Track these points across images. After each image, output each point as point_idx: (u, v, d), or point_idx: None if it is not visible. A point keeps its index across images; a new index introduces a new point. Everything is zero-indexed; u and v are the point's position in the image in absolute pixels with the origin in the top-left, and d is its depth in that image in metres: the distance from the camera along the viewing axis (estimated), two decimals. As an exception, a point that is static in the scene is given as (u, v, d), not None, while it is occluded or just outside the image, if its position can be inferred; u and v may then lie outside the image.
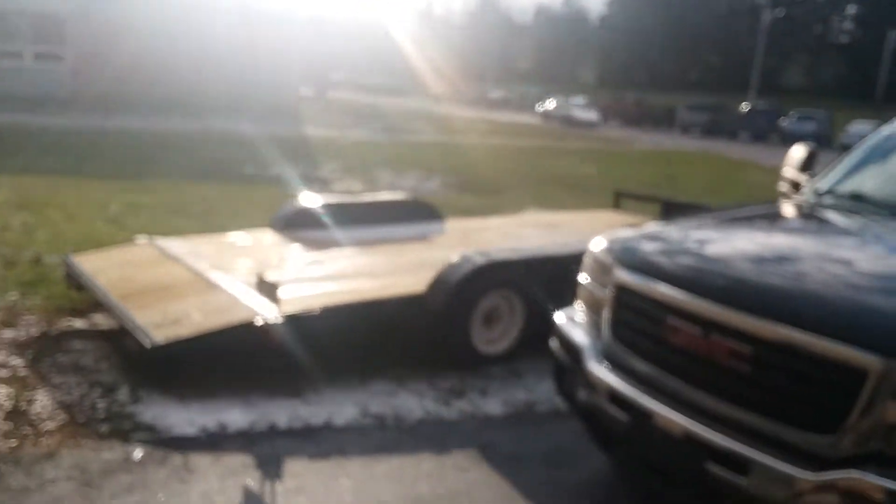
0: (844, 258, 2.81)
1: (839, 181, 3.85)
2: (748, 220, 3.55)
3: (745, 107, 43.98)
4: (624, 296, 2.94)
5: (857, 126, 36.10)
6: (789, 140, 37.55)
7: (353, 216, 6.27)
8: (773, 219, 3.62)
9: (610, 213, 7.90)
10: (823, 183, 3.91)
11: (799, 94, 61.81)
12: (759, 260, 2.76)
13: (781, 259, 2.77)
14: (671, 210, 7.49)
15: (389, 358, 4.60)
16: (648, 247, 3.09)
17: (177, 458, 3.31)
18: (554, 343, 3.36)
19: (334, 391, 4.14)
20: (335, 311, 4.28)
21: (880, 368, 2.12)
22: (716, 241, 3.14)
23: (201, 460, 3.32)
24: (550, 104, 47.55)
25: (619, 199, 8.25)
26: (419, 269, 5.00)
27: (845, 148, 28.21)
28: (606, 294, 3.04)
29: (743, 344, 2.42)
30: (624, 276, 2.95)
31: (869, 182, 3.75)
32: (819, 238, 3.23)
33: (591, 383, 2.93)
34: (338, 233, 5.98)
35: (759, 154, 28.91)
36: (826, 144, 31.75)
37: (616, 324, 2.96)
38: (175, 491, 3.07)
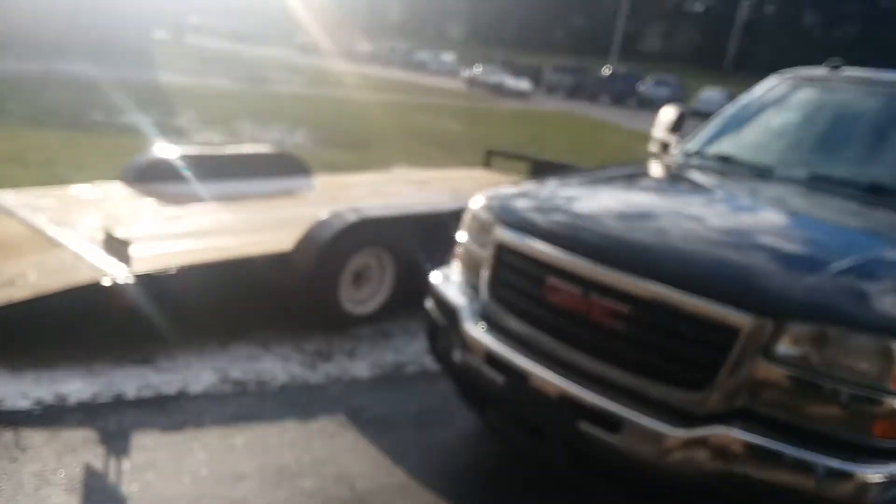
0: (715, 217, 2.85)
1: (707, 143, 3.92)
2: (625, 180, 3.55)
3: (606, 70, 45.47)
4: (504, 255, 2.85)
5: (708, 92, 38.15)
6: (646, 104, 39.31)
7: (215, 169, 5.86)
8: (648, 179, 3.64)
9: (481, 172, 7.86)
10: (692, 144, 3.97)
11: (656, 60, 64.60)
12: (636, 219, 2.74)
13: (657, 218, 2.77)
14: (541, 169, 7.56)
15: (253, 320, 4.35)
16: (530, 205, 3.00)
17: (6, 435, 2.96)
18: (429, 303, 3.24)
19: (190, 356, 3.86)
20: (194, 271, 3.96)
21: (751, 326, 2.14)
22: (596, 200, 3.10)
23: (36, 436, 2.98)
24: (477, 69, 43.17)
25: (489, 158, 8.21)
26: (286, 226, 4.74)
27: (696, 113, 29.78)
28: (486, 253, 2.95)
29: (619, 303, 2.39)
30: (504, 234, 2.85)
31: (734, 144, 3.85)
32: (691, 198, 3.26)
33: (467, 344, 2.84)
34: (197, 186, 5.57)
35: (619, 117, 29.99)
36: (679, 109, 33.25)
37: (495, 283, 2.88)
38: (4, 471, 2.74)
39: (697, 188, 3.43)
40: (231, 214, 5.15)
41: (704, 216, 2.84)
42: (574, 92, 42.35)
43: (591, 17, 76.16)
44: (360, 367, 4.05)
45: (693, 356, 2.26)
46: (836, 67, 3.96)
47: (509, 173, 7.71)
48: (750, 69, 54.48)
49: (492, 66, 44.83)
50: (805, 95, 4.01)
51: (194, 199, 5.38)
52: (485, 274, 2.93)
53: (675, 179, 3.60)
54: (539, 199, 3.11)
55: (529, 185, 3.34)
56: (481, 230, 3.05)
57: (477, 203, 3.19)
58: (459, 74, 45.94)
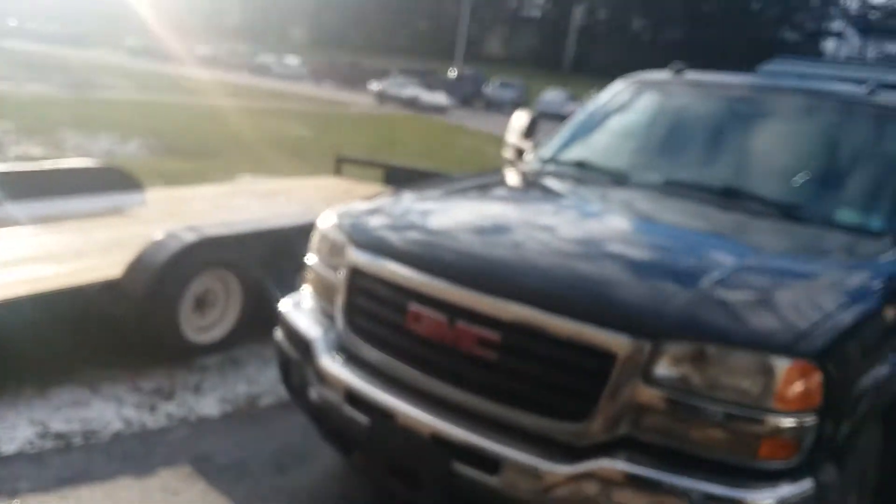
0: (582, 232, 2.72)
1: (561, 149, 3.84)
2: (485, 192, 3.39)
3: (452, 73, 46.11)
4: (359, 280, 2.60)
5: (550, 94, 39.49)
6: (493, 106, 40.22)
7: (30, 187, 5.19)
8: (508, 190, 3.50)
9: (332, 180, 7.54)
10: (547, 151, 3.88)
11: (499, 63, 66.35)
12: (501, 238, 2.57)
13: (522, 236, 2.60)
14: (395, 175, 7.35)
15: (79, 359, 3.84)
16: (385, 223, 2.77)
17: None
18: (279, 335, 2.93)
19: (2, 408, 3.32)
20: (4, 308, 3.43)
21: (628, 349, 2.02)
22: (456, 215, 2.90)
23: None
24: (385, 82, 38.13)
25: (340, 165, 7.89)
26: (115, 250, 4.26)
27: (541, 115, 30.74)
28: (339, 278, 2.68)
29: (488, 330, 2.21)
30: (358, 256, 2.60)
31: (589, 150, 3.79)
32: (554, 211, 3.10)
33: (325, 381, 2.57)
34: (9, 207, 4.92)
35: (468, 119, 30.43)
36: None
37: (351, 312, 2.61)
38: None
39: (559, 199, 3.31)
40: (51, 238, 4.56)
41: (571, 231, 2.71)
42: (422, 94, 42.53)
43: (434, 20, 77.13)
44: (208, 404, 3.65)
45: (571, 384, 2.11)
46: (679, 71, 3.99)
47: (361, 180, 7.45)
48: (587, 71, 57.28)
49: (400, 77, 40.28)
50: (653, 99, 4.02)
51: (5, 222, 4.73)
52: (340, 301, 2.66)
53: (535, 190, 3.47)
54: (394, 215, 2.87)
55: (383, 200, 3.09)
56: (332, 252, 2.79)
57: (326, 221, 2.92)
58: (368, 87, 39.83)
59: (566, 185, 3.40)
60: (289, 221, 4.81)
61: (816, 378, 1.96)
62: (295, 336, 2.80)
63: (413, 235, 2.65)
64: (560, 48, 63.55)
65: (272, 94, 30.37)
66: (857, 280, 2.37)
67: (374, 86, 38.23)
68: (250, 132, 15.03)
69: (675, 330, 2.02)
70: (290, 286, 4.52)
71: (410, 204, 3.02)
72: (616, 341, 2.03)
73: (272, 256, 4.51)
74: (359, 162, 8.26)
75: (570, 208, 3.13)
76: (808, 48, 63.74)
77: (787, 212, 2.94)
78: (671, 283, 2.21)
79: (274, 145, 13.43)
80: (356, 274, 2.61)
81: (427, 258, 2.44)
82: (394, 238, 2.63)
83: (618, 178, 3.37)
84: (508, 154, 4.23)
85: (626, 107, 4.03)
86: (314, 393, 2.61)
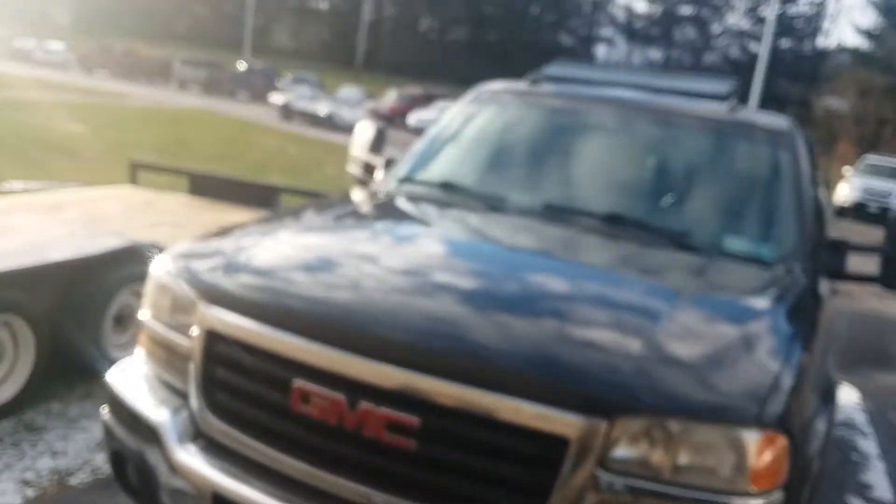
0: (495, 279, 2.30)
1: (419, 168, 3.46)
2: (359, 224, 2.92)
3: (241, 65, 44.07)
4: (220, 346, 2.05)
5: (346, 91, 38.88)
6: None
7: None
8: (386, 222, 3.04)
9: (127, 189, 6.55)
10: (403, 169, 3.47)
11: (289, 56, 64.52)
12: (404, 290, 2.13)
13: (431, 287, 2.16)
14: (202, 184, 6.56)
15: None
16: (244, 269, 2.20)
17: None
18: (108, 415, 2.29)
19: None
20: None
21: (582, 430, 1.69)
22: (338, 259, 2.36)
23: None
24: (290, 94, 31.27)
25: (136, 171, 6.90)
26: None
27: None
28: (190, 342, 2.10)
29: (403, 412, 1.78)
30: (216, 316, 2.05)
31: (452, 168, 3.45)
32: (450, 252, 2.59)
33: (184, 480, 1.99)
34: None
35: (264, 115, 29.06)
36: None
37: (212, 387, 2.06)
38: None
39: (449, 236, 2.85)
40: None
41: (483, 279, 2.28)
42: (209, 87, 40.01)
43: (214, 7, 73.33)
44: (4, 490, 2.87)
45: (513, 478, 1.75)
46: (536, 81, 3.76)
47: (163, 189, 6.57)
48: (379, 67, 57.42)
49: (306, 86, 33.82)
50: (513, 112, 3.74)
51: None
52: (193, 373, 2.10)
53: (413, 222, 3.04)
54: (254, 258, 2.27)
55: (232, 238, 2.50)
56: (176, 308, 2.20)
57: (163, 267, 2.31)
58: (269, 100, 32.78)
59: (443, 214, 3.02)
60: (90, 248, 4.00)
61: (783, 448, 1.75)
62: (132, 418, 2.18)
63: (287, 287, 2.13)
64: (351, 43, 63.11)
65: (26, 83, 26.91)
66: (784, 324, 2.22)
67: (277, 98, 31.44)
68: (11, 128, 13.10)
69: (631, 403, 1.72)
70: (96, 329, 3.78)
71: (271, 242, 2.46)
72: (567, 422, 1.70)
73: (71, 293, 3.73)
74: (159, 168, 7.31)
75: (466, 248, 2.67)
76: (583, 52, 68.48)
77: (677, 240, 2.77)
78: (614, 343, 1.91)
79: (41, 143, 11.77)
80: (215, 339, 2.06)
81: (313, 319, 1.95)
82: (262, 292, 2.10)
83: (492, 203, 3.02)
84: (354, 170, 3.79)
85: (484, 119, 3.73)
86: (165, 497, 2.03)
